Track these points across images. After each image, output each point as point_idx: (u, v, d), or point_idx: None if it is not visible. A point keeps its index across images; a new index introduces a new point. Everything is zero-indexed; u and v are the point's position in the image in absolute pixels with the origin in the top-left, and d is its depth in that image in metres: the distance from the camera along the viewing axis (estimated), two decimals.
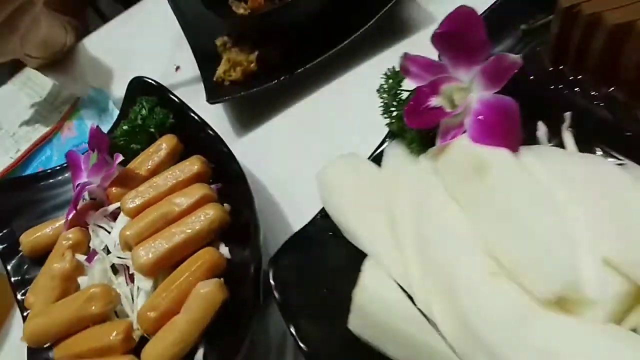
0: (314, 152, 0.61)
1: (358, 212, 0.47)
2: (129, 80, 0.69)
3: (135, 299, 0.53)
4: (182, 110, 0.63)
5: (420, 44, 0.50)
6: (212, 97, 0.69)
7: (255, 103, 0.72)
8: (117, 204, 0.58)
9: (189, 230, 0.52)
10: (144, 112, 0.63)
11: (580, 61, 0.49)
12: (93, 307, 0.51)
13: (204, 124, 0.61)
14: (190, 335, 0.48)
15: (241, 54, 0.72)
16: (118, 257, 0.55)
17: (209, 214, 0.53)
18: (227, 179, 0.57)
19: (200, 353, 0.48)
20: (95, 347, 0.50)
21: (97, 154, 0.60)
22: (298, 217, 0.55)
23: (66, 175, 0.69)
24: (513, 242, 0.37)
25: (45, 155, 0.77)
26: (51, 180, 0.69)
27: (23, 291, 0.61)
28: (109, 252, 0.56)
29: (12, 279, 0.61)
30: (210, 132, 0.60)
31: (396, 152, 0.50)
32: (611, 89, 0.49)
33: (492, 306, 0.35)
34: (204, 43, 0.78)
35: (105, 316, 0.52)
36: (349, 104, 0.66)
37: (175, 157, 0.61)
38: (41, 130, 0.80)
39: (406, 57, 0.46)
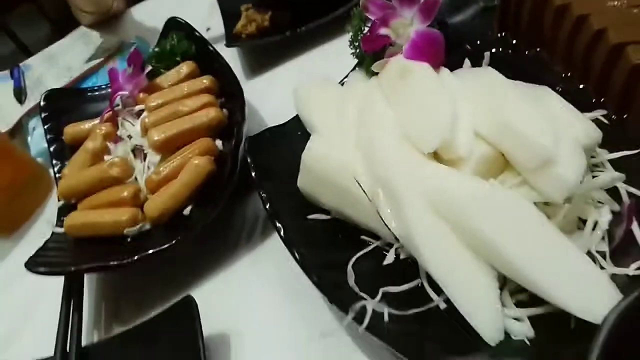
0: None
1: (318, 110, 0.61)
2: None
3: (145, 172, 0.69)
4: (203, 44, 0.79)
5: None
6: (230, 43, 0.86)
7: (264, 53, 0.88)
8: (142, 106, 0.74)
9: (193, 123, 0.68)
10: (172, 42, 0.79)
11: (517, 29, 0.64)
12: (113, 171, 0.67)
13: (217, 55, 0.77)
14: (183, 193, 0.63)
15: (258, 14, 0.89)
16: (137, 142, 0.71)
17: (210, 113, 0.69)
18: (230, 96, 0.72)
19: (188, 209, 0.63)
20: (110, 201, 0.66)
21: (132, 67, 0.76)
22: None
23: (107, 91, 0.86)
24: (413, 117, 0.51)
25: (92, 82, 0.94)
26: (95, 94, 0.87)
27: (59, 167, 0.77)
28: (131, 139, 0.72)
29: (53, 161, 0.77)
30: (222, 61, 0.76)
31: (356, 76, 0.64)
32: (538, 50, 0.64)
33: (395, 157, 0.49)
34: (232, 8, 0.95)
35: (121, 180, 0.68)
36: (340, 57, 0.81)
37: (192, 78, 0.78)
38: (91, 65, 0.97)
39: None
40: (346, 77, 0.67)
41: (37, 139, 0.90)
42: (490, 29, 0.69)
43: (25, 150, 0.89)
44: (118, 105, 0.78)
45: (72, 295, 0.63)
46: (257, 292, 0.60)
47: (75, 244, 0.65)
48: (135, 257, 0.59)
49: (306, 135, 0.61)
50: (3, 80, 1.04)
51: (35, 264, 0.60)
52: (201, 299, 0.54)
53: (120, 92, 0.76)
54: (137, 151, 0.71)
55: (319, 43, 0.86)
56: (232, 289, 0.61)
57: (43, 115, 0.82)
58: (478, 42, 0.67)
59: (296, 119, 0.65)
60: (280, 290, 0.59)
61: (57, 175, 0.76)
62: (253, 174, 0.58)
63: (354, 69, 0.67)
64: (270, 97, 0.81)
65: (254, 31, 0.88)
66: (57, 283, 0.64)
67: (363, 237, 0.53)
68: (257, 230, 0.67)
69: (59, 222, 0.68)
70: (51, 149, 0.78)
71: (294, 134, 0.63)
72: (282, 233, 0.52)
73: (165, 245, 0.59)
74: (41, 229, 0.82)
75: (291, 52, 0.87)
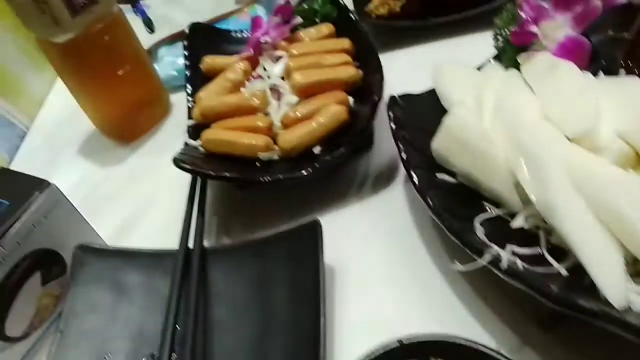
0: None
1: (458, 87, 0.67)
2: None
3: (279, 110, 0.75)
4: (344, 10, 0.86)
5: None
6: (361, 19, 0.93)
7: (392, 36, 0.94)
8: (282, 52, 0.81)
9: (333, 75, 0.74)
10: (316, 4, 0.86)
11: None
12: (252, 101, 0.74)
13: (357, 22, 0.83)
14: (317, 133, 0.69)
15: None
16: (275, 82, 0.77)
17: (349, 70, 0.75)
18: (365, 62, 0.79)
19: (317, 148, 0.70)
20: (246, 126, 0.72)
21: (279, 17, 0.83)
22: None
23: (246, 36, 0.93)
24: (559, 104, 0.56)
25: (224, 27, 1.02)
26: (236, 35, 0.94)
27: (192, 92, 0.83)
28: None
29: (187, 84, 0.85)
30: (361, 29, 0.82)
31: (495, 67, 0.70)
32: None
33: (539, 132, 0.55)
34: None
35: (257, 111, 0.74)
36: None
37: (329, 38, 0.85)
38: (225, 9, 1.05)
39: None
40: (481, 66, 0.73)
41: (164, 66, 0.98)
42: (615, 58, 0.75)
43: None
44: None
45: (196, 199, 0.69)
46: (365, 236, 0.66)
47: (207, 156, 0.72)
48: (268, 178, 0.65)
49: (440, 108, 0.67)
50: (128, 12, 1.13)
51: (181, 161, 0.67)
52: None
53: (264, 35, 0.82)
54: (273, 90, 0.78)
55: (449, 36, 0.92)
56: (342, 231, 0.67)
57: (186, 42, 0.89)
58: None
59: (430, 93, 0.70)
60: (389, 239, 0.65)
61: (190, 98, 0.83)
62: (393, 125, 0.64)
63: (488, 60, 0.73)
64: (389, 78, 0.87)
65: (384, 14, 0.95)
66: (178, 185, 0.72)
67: (486, 203, 0.58)
68: (367, 186, 0.73)
69: (192, 137, 0.75)
70: (187, 73, 0.85)
71: (427, 104, 0.69)
72: (414, 179, 0.58)
73: (296, 174, 0.65)
74: (156, 143, 0.89)
75: (421, 40, 0.93)
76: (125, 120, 0.89)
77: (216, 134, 0.72)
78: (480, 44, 0.83)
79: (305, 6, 0.86)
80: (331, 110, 0.70)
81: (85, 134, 0.93)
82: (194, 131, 0.77)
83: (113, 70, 0.83)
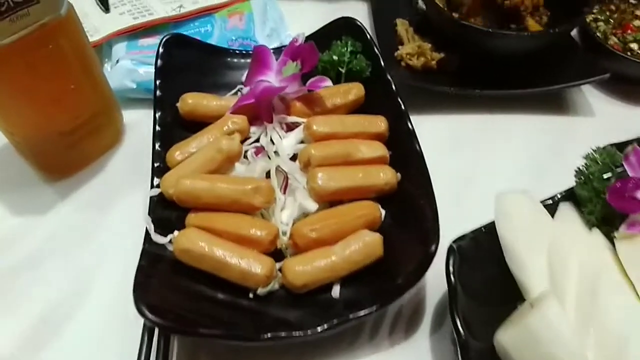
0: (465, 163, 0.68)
1: (525, 245, 0.52)
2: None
3: (287, 210, 0.55)
4: (375, 62, 0.66)
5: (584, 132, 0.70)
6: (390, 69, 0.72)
7: (425, 96, 0.74)
8: (297, 118, 0.60)
9: (366, 180, 0.55)
10: (345, 53, 0.65)
11: None
12: (256, 199, 0.53)
13: (389, 84, 0.63)
14: (341, 270, 0.51)
15: (424, 45, 0.76)
16: (285, 166, 0.57)
17: (386, 175, 0.56)
18: (401, 150, 0.60)
19: (337, 290, 0.52)
20: (239, 234, 0.52)
21: (298, 65, 0.61)
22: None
23: (238, 61, 0.69)
24: None
25: (205, 29, 0.75)
26: (224, 59, 0.70)
27: (161, 143, 0.60)
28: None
29: (157, 128, 0.61)
30: (392, 92, 0.63)
31: (571, 214, 0.55)
32: None
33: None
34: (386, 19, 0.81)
35: (258, 209, 0.54)
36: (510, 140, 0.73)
37: (356, 106, 0.64)
38: (211, 1, 0.78)
39: (635, 149, 0.52)
40: (551, 200, 0.58)
41: (119, 73, 0.71)
42: None
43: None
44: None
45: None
46: None
47: (178, 274, 0.51)
48: (268, 335, 0.47)
49: (500, 257, 0.52)
50: None
51: (141, 299, 0.46)
52: None
53: (279, 91, 0.60)
54: (278, 174, 0.57)
55: (496, 110, 0.75)
56: None
57: (159, 63, 0.64)
58: None
59: (488, 231, 0.55)
60: None
61: (158, 148, 0.60)
62: (451, 294, 0.48)
63: (563, 198, 0.58)
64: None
65: (418, 67, 0.75)
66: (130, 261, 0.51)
67: None
68: (383, 331, 0.56)
69: (158, 230, 0.53)
70: (157, 114, 0.61)
71: (486, 249, 0.53)
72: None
73: (307, 333, 0.47)
74: (101, 184, 0.66)
75: (460, 107, 0.75)
76: (60, 150, 0.63)
77: (196, 242, 0.51)
78: (532, 133, 0.73)
79: (335, 57, 0.64)
80: (364, 242, 0.52)
81: (5, 165, 0.67)
82: (160, 210, 0.55)
83: (52, 86, 0.58)
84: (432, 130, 0.69)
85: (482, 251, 0.54)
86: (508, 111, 0.76)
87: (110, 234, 0.61)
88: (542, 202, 0.57)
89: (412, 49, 0.75)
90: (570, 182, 0.56)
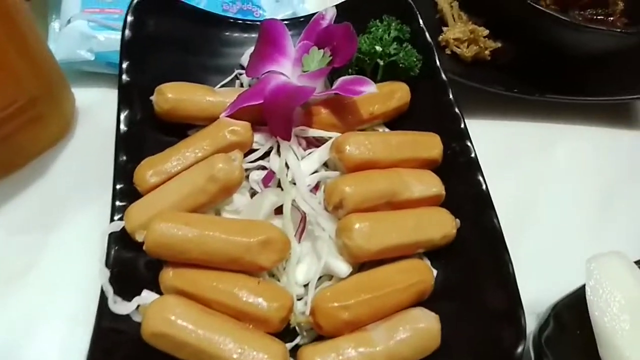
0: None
1: (628, 339, 0.38)
2: None
3: (294, 265, 0.39)
4: (429, 62, 0.49)
5: None
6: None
7: (471, 93, 0.57)
8: (322, 132, 0.43)
9: (419, 233, 0.40)
10: (389, 40, 0.47)
11: None
12: (264, 257, 0.37)
13: (450, 102, 0.47)
14: None
15: (478, 29, 0.59)
16: (304, 204, 0.40)
17: (445, 225, 0.41)
18: (457, 182, 0.44)
19: None
20: (237, 308, 0.36)
21: (327, 55, 0.44)
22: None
23: (237, 35, 0.51)
24: None
25: None
26: (217, 31, 0.51)
27: (127, 152, 0.43)
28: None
29: (122, 129, 0.43)
30: (455, 114, 0.47)
31: None
32: None
33: None
34: None
35: (264, 271, 0.38)
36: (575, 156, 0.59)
37: (396, 116, 0.48)
38: None
39: None
40: None
41: (70, 38, 0.52)
42: None
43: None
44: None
45: None
46: None
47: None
48: None
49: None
50: None
51: None
52: None
53: (305, 94, 0.42)
54: (294, 212, 0.41)
55: (561, 118, 0.61)
56: None
57: (127, 35, 0.45)
58: None
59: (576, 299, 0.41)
60: None
61: (124, 160, 0.42)
62: None
63: None
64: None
65: (467, 57, 0.58)
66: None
67: None
68: None
69: (120, 291, 0.37)
70: (122, 114, 0.43)
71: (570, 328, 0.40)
72: None
73: None
74: (39, 196, 0.49)
75: (518, 111, 0.60)
76: None
77: (177, 324, 0.35)
78: (600, 149, 0.60)
79: (378, 47, 0.46)
80: (417, 330, 0.37)
81: None
82: (123, 254, 0.39)
83: None
84: (480, 140, 0.53)
85: (569, 337, 0.40)
86: (570, 121, 0.61)
87: (54, 268, 0.45)
88: (637, 263, 0.44)
89: (463, 33, 0.58)
90: None
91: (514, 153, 0.58)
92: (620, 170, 0.59)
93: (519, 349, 0.35)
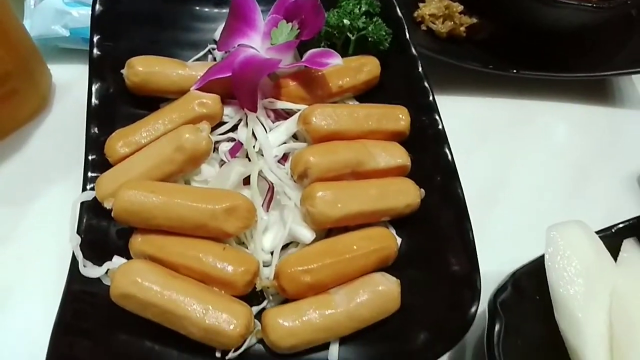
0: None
1: (582, 301, 0.40)
2: None
3: (262, 231, 0.40)
4: (399, 36, 0.49)
5: None
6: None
7: (445, 69, 0.58)
8: (290, 104, 0.44)
9: (382, 202, 0.41)
10: (358, 14, 0.48)
11: None
12: (229, 223, 0.38)
13: (419, 75, 0.48)
14: (344, 328, 0.38)
15: (457, 11, 0.59)
16: (271, 174, 0.41)
17: (408, 194, 0.42)
18: (424, 154, 0.45)
19: (334, 352, 0.38)
20: (203, 271, 0.37)
21: (295, 29, 0.44)
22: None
23: (209, 10, 0.52)
24: None
25: None
26: (189, 6, 0.52)
27: (99, 124, 0.44)
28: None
29: (93, 102, 0.44)
30: (424, 88, 0.47)
31: (637, 255, 0.43)
32: None
33: None
34: None
35: (231, 235, 0.39)
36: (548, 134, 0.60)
37: (366, 89, 0.49)
38: None
39: None
40: (611, 230, 0.45)
41: (46, 14, 0.53)
42: None
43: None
44: None
45: None
46: None
47: (116, 327, 0.37)
48: None
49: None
50: None
51: None
52: None
53: (274, 66, 0.43)
54: (261, 182, 0.42)
55: (535, 94, 0.61)
56: None
57: (97, 9, 0.46)
58: None
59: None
60: None
61: (95, 133, 0.43)
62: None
63: (626, 229, 0.45)
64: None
65: (442, 34, 0.59)
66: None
67: None
68: None
69: (91, 255, 0.38)
70: (94, 87, 0.44)
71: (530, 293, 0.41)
72: None
73: None
74: (13, 172, 0.50)
75: (492, 87, 0.60)
76: None
77: (144, 285, 0.36)
78: (574, 126, 0.61)
79: (346, 21, 0.47)
80: (377, 293, 0.38)
81: None
82: (94, 222, 0.40)
83: None
84: (454, 116, 0.53)
85: (526, 303, 0.41)
86: (545, 97, 0.62)
87: (30, 237, 0.46)
88: (598, 233, 0.45)
89: (438, 9, 0.59)
90: (618, 187, 0.51)
91: (489, 129, 0.59)
92: (594, 147, 0.60)
93: (473, 309, 0.36)
